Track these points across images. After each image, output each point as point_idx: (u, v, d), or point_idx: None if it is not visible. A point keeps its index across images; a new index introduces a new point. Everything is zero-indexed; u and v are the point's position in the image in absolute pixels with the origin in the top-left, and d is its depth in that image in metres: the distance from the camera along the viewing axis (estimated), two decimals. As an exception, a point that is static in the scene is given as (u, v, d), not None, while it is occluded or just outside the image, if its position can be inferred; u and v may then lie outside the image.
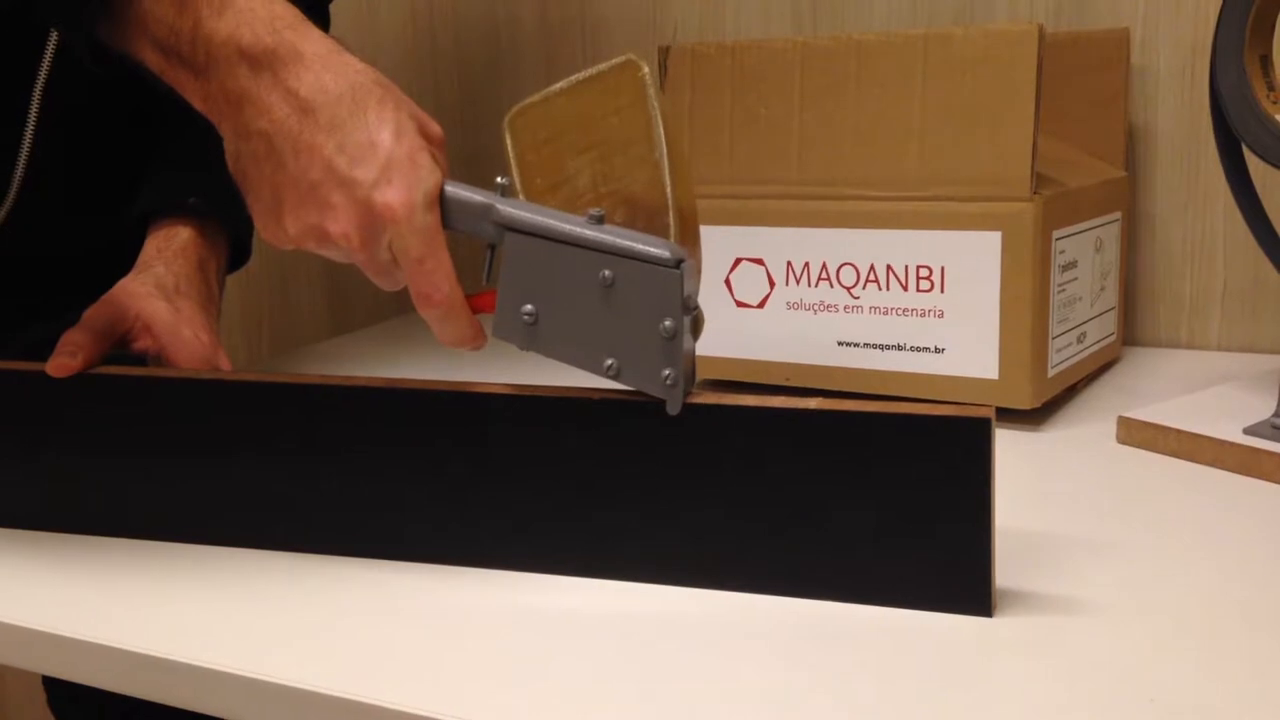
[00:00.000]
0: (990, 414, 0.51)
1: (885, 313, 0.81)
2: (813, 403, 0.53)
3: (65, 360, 0.63)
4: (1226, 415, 0.74)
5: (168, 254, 0.78)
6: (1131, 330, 0.99)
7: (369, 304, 1.35)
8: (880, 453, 0.52)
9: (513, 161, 0.59)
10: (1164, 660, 0.49)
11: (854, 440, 0.52)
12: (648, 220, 0.55)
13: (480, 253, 0.57)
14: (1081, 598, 0.55)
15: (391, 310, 1.32)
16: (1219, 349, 0.97)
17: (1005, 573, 0.57)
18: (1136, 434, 0.75)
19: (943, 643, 0.51)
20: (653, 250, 0.52)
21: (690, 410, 0.53)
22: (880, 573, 0.53)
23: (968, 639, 0.51)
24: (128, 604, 0.58)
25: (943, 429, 0.51)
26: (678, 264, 0.51)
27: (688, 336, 0.52)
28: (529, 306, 0.54)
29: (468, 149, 1.24)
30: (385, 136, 0.52)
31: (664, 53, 0.86)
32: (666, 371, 0.52)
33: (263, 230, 0.56)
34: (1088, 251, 0.84)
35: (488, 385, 0.57)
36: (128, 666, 0.54)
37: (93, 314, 0.70)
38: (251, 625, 0.55)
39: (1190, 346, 0.98)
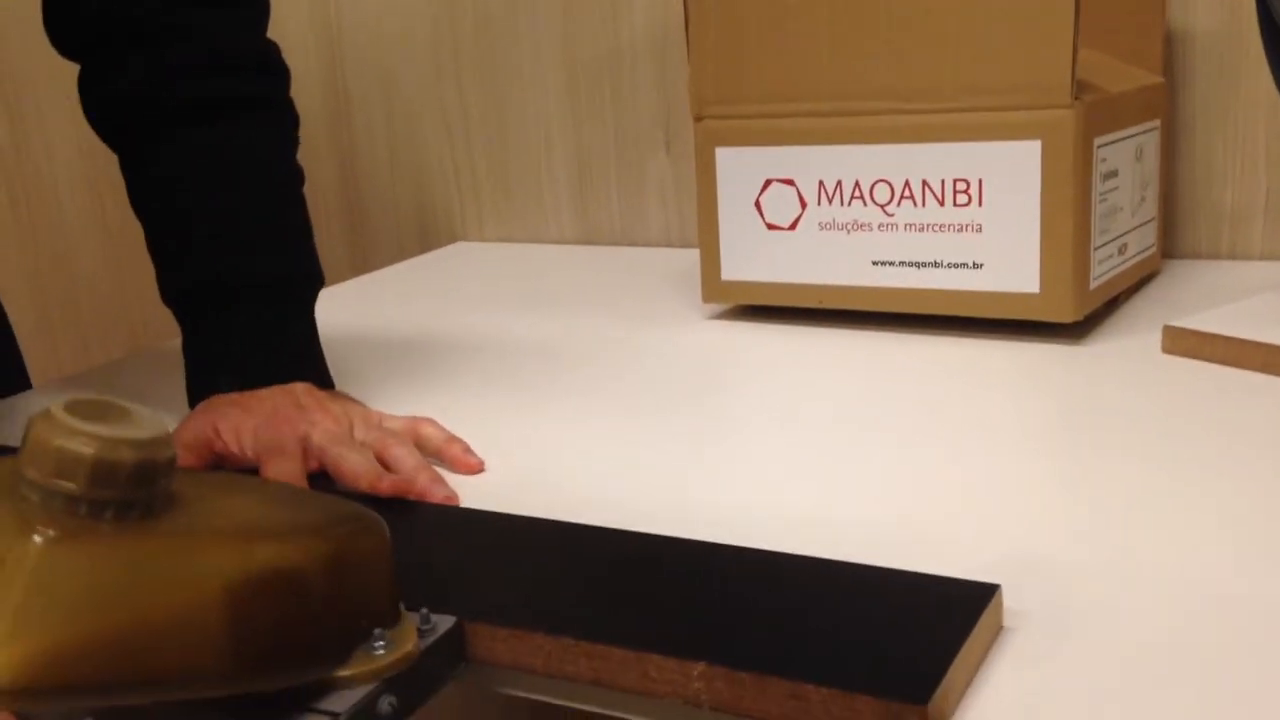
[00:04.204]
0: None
1: (921, 229, 0.79)
2: None
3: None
4: (1274, 321, 0.72)
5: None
6: (1171, 242, 0.97)
7: (390, 243, 1.33)
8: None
9: None
10: (1219, 564, 0.48)
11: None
12: None
13: None
14: (1137, 509, 0.53)
15: (414, 249, 1.31)
16: (1262, 259, 0.95)
17: (1059, 492, 0.56)
18: (1182, 343, 0.73)
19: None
20: None
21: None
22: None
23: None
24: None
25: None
26: None
27: None
28: None
29: (486, 92, 1.22)
30: None
31: (686, -31, 0.84)
32: None
33: None
34: (1128, 160, 0.82)
35: None
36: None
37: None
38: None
39: (1232, 257, 0.96)
